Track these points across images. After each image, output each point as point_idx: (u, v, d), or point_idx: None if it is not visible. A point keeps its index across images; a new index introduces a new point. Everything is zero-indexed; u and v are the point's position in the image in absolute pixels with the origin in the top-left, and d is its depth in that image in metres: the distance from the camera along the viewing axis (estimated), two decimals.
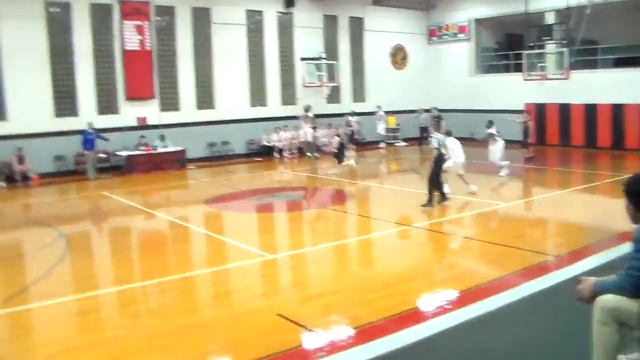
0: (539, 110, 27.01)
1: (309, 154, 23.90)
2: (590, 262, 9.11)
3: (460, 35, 31.23)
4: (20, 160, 20.61)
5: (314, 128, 25.65)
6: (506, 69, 30.07)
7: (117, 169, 22.72)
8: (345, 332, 6.96)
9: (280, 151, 26.51)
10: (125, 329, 7.54)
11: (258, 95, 27.38)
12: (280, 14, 27.78)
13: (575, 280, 5.16)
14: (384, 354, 6.21)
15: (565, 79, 25.33)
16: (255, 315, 7.76)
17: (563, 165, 23.22)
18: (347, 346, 6.51)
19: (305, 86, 28.14)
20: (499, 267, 9.44)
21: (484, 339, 6.58)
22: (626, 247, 4.88)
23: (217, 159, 25.51)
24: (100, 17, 23.00)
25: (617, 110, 24.82)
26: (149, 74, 24.05)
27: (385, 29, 31.20)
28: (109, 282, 9.88)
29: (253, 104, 27.14)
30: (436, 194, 14.37)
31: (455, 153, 15.42)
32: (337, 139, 22.27)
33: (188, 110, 25.23)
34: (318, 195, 18.07)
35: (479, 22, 30.75)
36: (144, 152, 22.94)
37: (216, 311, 8.18)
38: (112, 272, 10.61)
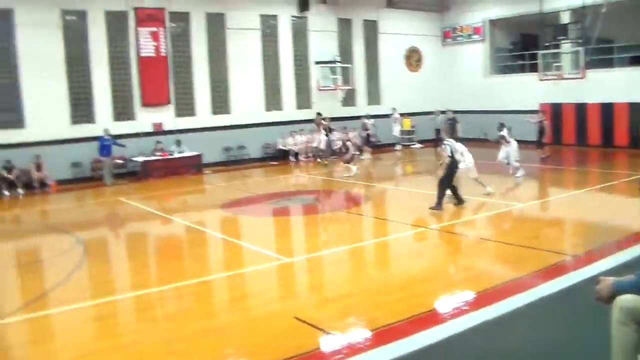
0: (555, 110, 26.83)
1: (319, 160, 23.84)
2: (608, 262, 9.03)
3: (475, 37, 31.12)
4: (38, 167, 20.80)
5: (329, 133, 25.60)
6: (521, 69, 29.90)
7: (133, 174, 22.86)
8: (362, 334, 6.94)
9: (296, 155, 26.53)
10: (142, 334, 7.57)
11: (273, 100, 27.44)
12: (294, 18, 27.83)
13: (594, 280, 5.12)
14: (401, 356, 6.18)
15: (581, 78, 25.20)
16: (272, 319, 7.76)
17: (579, 165, 23.08)
18: (364, 349, 6.49)
19: (320, 90, 28.15)
20: (516, 267, 9.37)
21: (502, 340, 6.54)
22: None
23: (233, 163, 25.57)
24: (116, 25, 23.17)
25: (634, 108, 24.56)
26: (165, 80, 24.17)
27: (400, 32, 31.17)
28: (126, 287, 9.92)
29: (268, 108, 27.20)
30: (446, 197, 14.35)
31: (465, 157, 15.33)
32: (349, 144, 22.24)
33: (204, 115, 25.33)
34: (334, 198, 18.05)
35: (493, 22, 30.63)
36: (160, 158, 23.05)
37: (233, 315, 8.18)
38: (129, 277, 10.66)
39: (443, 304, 7.88)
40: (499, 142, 18.75)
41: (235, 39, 25.90)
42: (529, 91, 27.53)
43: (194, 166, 23.73)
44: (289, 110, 27.75)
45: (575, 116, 26.58)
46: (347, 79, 28.84)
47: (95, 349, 7.14)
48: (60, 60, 21.96)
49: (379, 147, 28.50)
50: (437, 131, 28.08)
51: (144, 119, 23.85)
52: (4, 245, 13.87)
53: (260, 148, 26.84)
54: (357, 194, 18.23)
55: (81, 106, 22.67)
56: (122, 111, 23.54)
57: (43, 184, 20.89)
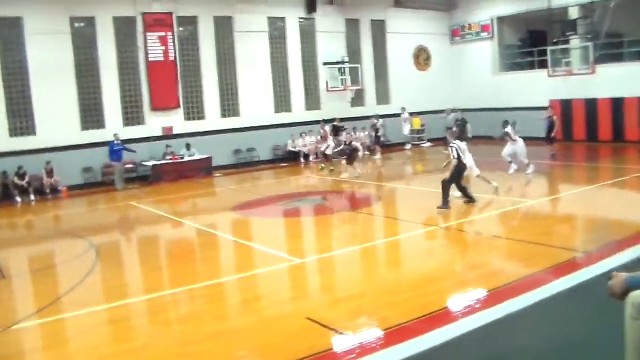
0: (565, 106, 26.69)
1: (322, 165, 23.68)
2: (621, 258, 8.98)
3: (483, 34, 31.04)
4: (50, 173, 20.91)
5: (338, 135, 25.52)
6: (530, 66, 29.76)
7: (144, 179, 22.96)
8: (374, 334, 6.94)
9: (306, 156, 26.53)
10: (155, 337, 7.59)
11: (282, 102, 27.49)
12: (302, 20, 27.87)
13: (607, 276, 5.09)
14: (413, 355, 6.18)
15: (591, 73, 25.08)
16: (284, 320, 7.78)
17: (590, 161, 22.96)
18: (377, 348, 6.48)
19: (329, 91, 28.17)
20: (527, 265, 9.33)
21: (515, 338, 6.52)
22: None
23: (243, 166, 25.62)
24: (124, 30, 23.30)
25: None
26: (174, 84, 24.25)
27: (408, 31, 31.13)
28: (139, 291, 9.97)
29: (277, 110, 27.24)
30: (458, 196, 14.32)
31: (465, 157, 15.24)
32: (355, 144, 22.16)
33: (213, 118, 25.40)
34: (344, 199, 18.05)
35: (501, 20, 30.53)
36: (171, 162, 23.12)
37: (245, 317, 8.19)
38: (141, 281, 10.70)
39: (455, 303, 7.87)
40: (504, 139, 18.63)
41: (243, 42, 25.96)
42: (538, 88, 27.41)
43: (204, 169, 23.79)
44: (298, 111, 27.78)
45: (586, 112, 26.41)
46: (355, 80, 28.86)
47: (109, 352, 7.17)
48: (70, 67, 22.11)
49: (388, 147, 28.47)
50: (448, 129, 27.99)
51: (154, 123, 23.95)
52: (18, 250, 13.96)
53: (270, 150, 26.88)
54: (368, 194, 18.22)
55: (91, 112, 22.83)
56: (132, 116, 23.67)
57: (55, 190, 21.02)
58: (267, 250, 11.60)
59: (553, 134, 22.30)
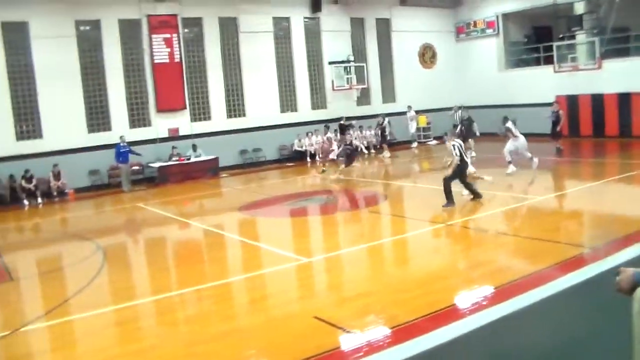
0: (571, 102, 26.53)
1: (324, 169, 23.39)
2: (628, 253, 8.88)
3: (488, 31, 30.94)
4: (56, 176, 20.95)
5: (343, 134, 25.46)
6: (536, 62, 29.62)
7: (150, 180, 22.99)
8: (382, 332, 6.93)
9: (313, 155, 26.51)
10: (162, 338, 7.61)
11: (288, 101, 27.49)
12: (307, 20, 27.85)
13: (614, 271, 5.06)
14: (421, 352, 6.14)
15: (597, 68, 24.97)
16: (291, 319, 7.78)
17: (597, 156, 22.88)
18: (384, 346, 6.46)
19: (335, 90, 28.16)
20: (535, 261, 9.29)
21: (522, 335, 6.46)
22: None
23: (249, 166, 25.61)
24: (129, 32, 23.34)
25: None
26: (179, 86, 24.27)
27: (413, 29, 31.04)
28: (146, 291, 9.99)
29: (283, 110, 27.24)
30: (461, 194, 14.33)
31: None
32: (356, 143, 22.07)
33: (219, 119, 25.42)
34: (351, 197, 18.04)
35: (506, 16, 30.41)
36: (177, 163, 23.13)
37: (252, 317, 8.19)
38: (149, 281, 10.72)
39: (462, 300, 7.86)
40: (506, 135, 18.44)
41: (248, 42, 25.97)
42: (544, 84, 27.27)
43: (210, 170, 23.79)
44: (304, 111, 27.77)
45: (592, 107, 26.24)
46: (361, 78, 28.84)
47: (117, 353, 7.20)
48: (76, 70, 22.16)
49: (394, 145, 28.40)
50: (454, 127, 27.94)
51: (160, 124, 23.98)
52: (26, 253, 14.01)
53: (276, 150, 26.87)
54: (375, 193, 18.20)
55: (97, 114, 22.88)
56: (138, 118, 23.72)
57: (61, 193, 21.06)
58: (274, 249, 11.60)
59: (558, 129, 22.18)
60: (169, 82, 23.97)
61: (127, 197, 20.60)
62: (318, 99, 28.33)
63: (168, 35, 23.87)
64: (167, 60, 23.92)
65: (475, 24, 31.57)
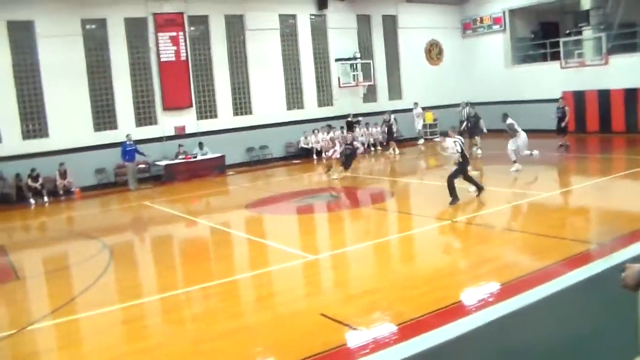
0: (578, 98, 26.41)
1: (329, 169, 23.22)
2: (634, 249, 8.89)
3: (495, 27, 30.83)
4: (63, 175, 20.98)
5: (350, 131, 25.40)
6: (542, 58, 29.51)
7: (157, 178, 22.99)
8: (388, 329, 6.90)
9: (319, 152, 26.47)
10: (169, 336, 7.59)
11: (294, 98, 27.47)
12: (313, 17, 27.81)
13: (620, 268, 5.02)
14: (428, 348, 6.14)
15: (604, 64, 24.86)
16: (298, 317, 7.75)
17: (603, 152, 22.75)
18: (391, 343, 6.44)
19: (341, 87, 28.13)
20: (541, 257, 9.24)
21: (528, 330, 6.46)
22: None
23: (256, 163, 25.60)
24: (135, 31, 23.34)
25: None
26: (186, 84, 24.26)
27: (419, 25, 30.99)
28: (152, 290, 9.98)
29: (290, 107, 27.22)
30: (467, 191, 14.27)
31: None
32: (357, 143, 21.95)
33: (225, 117, 25.41)
34: (357, 194, 17.99)
35: (512, 12, 30.30)
36: (183, 161, 23.13)
37: (259, 314, 8.17)
38: (155, 280, 10.70)
39: (468, 296, 7.82)
40: (515, 131, 18.21)
41: (254, 40, 25.94)
42: (550, 80, 27.18)
43: (217, 168, 23.79)
44: (311, 108, 27.74)
45: (599, 103, 26.10)
46: (367, 75, 28.80)
47: (123, 352, 7.19)
48: (82, 69, 22.17)
49: (401, 142, 28.33)
50: (461, 123, 27.87)
51: (166, 123, 23.98)
52: (32, 252, 14.02)
53: (282, 147, 26.85)
54: (381, 190, 18.16)
55: (103, 113, 22.89)
56: (144, 116, 23.73)
57: (68, 191, 21.09)
58: (281, 247, 11.59)
59: (563, 124, 22.06)
60: (175, 80, 23.97)
61: (133, 196, 20.60)
62: (324, 96, 28.30)
63: (174, 34, 23.86)
64: (173, 59, 23.92)
65: (481, 20, 31.47)
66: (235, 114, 25.76)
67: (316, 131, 26.70)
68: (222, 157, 24.06)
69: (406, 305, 7.67)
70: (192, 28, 24.71)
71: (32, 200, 20.26)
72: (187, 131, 24.33)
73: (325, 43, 28.28)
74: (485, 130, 22.52)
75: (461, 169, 14.09)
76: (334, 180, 19.92)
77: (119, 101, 23.02)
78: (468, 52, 32.16)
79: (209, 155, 23.84)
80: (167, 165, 22.88)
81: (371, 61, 29.16)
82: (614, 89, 25.32)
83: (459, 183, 14.15)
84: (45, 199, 20.45)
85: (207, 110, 25.12)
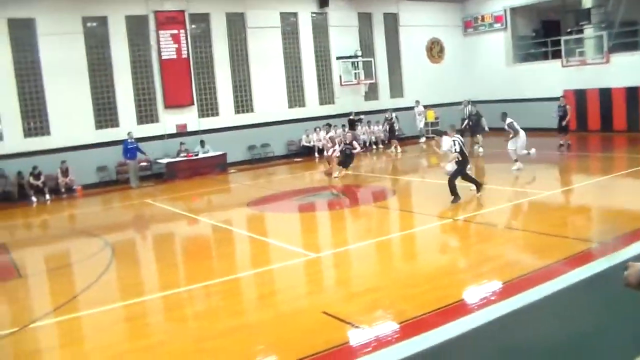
0: (579, 97, 26.39)
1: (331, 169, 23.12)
2: (636, 248, 8.89)
3: (496, 25, 30.80)
4: (64, 173, 20.98)
5: (352, 129, 25.38)
6: (544, 56, 29.48)
7: (158, 176, 23.01)
8: (390, 327, 6.90)
9: (321, 151, 26.45)
10: (171, 334, 7.59)
11: (296, 96, 27.47)
12: (314, 15, 27.80)
13: (623, 266, 5.02)
14: (429, 347, 6.14)
15: (605, 63, 24.83)
16: (300, 315, 7.76)
17: (605, 151, 22.73)
18: (393, 341, 6.45)
19: (343, 85, 28.12)
20: (543, 256, 9.23)
21: (530, 329, 6.46)
22: None
23: (258, 161, 25.61)
24: (137, 29, 23.34)
25: None
26: (187, 82, 24.27)
27: (420, 23, 30.97)
28: (154, 288, 9.99)
29: (291, 105, 27.23)
30: (469, 189, 14.27)
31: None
32: (355, 143, 21.84)
33: (227, 114, 25.42)
34: (359, 193, 17.99)
35: (514, 10, 30.27)
36: (185, 159, 23.14)
37: (261, 312, 8.17)
38: (157, 277, 10.71)
39: (470, 295, 7.83)
40: (512, 131, 18.14)
41: (256, 38, 25.94)
42: (552, 78, 27.14)
43: (218, 166, 23.79)
44: (312, 106, 27.74)
45: (600, 102, 26.08)
46: (369, 73, 28.78)
47: (125, 349, 7.19)
48: (83, 67, 22.18)
49: (402, 140, 28.31)
50: (462, 121, 27.85)
51: (168, 120, 23.99)
52: (34, 250, 14.01)
53: (284, 145, 26.85)
54: (383, 188, 18.16)
55: (105, 111, 22.90)
56: (146, 114, 23.74)
57: (69, 189, 21.10)
58: (283, 245, 11.59)
59: (565, 123, 22.03)
60: (177, 78, 23.97)
61: (135, 194, 20.61)
62: (326, 94, 28.29)
63: (175, 31, 23.86)
64: (175, 56, 23.92)
65: (483, 18, 31.44)
66: (237, 112, 25.77)
67: (318, 129, 26.68)
68: (224, 155, 24.07)
69: (408, 304, 7.67)
70: (193, 26, 24.71)
71: (33, 198, 20.27)
72: (189, 129, 24.34)
73: (326, 41, 28.27)
74: (487, 129, 22.54)
75: (461, 169, 14.07)
76: (335, 179, 19.90)
77: (120, 99, 23.03)
78: (469, 50, 32.14)
79: (211, 153, 23.85)
80: (168, 163, 22.89)
81: (372, 59, 29.13)
82: (615, 88, 25.30)
83: (460, 182, 14.15)
84: (47, 196, 20.46)
85: (209, 108, 25.13)
